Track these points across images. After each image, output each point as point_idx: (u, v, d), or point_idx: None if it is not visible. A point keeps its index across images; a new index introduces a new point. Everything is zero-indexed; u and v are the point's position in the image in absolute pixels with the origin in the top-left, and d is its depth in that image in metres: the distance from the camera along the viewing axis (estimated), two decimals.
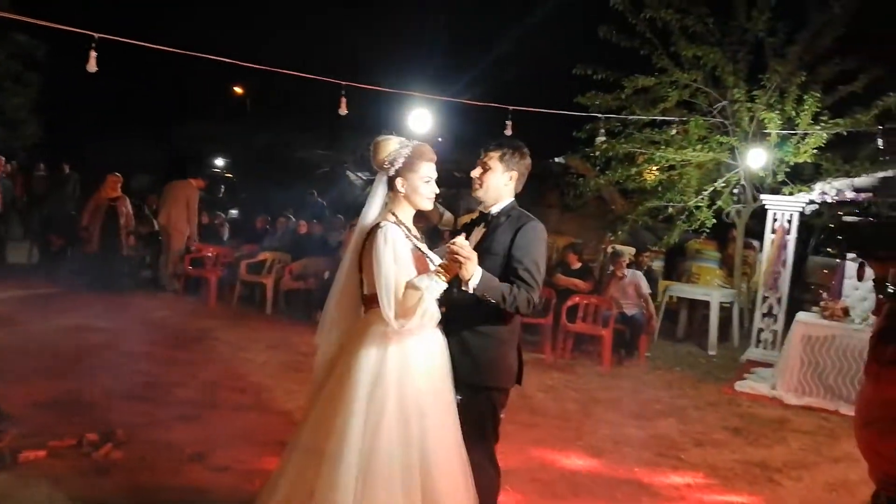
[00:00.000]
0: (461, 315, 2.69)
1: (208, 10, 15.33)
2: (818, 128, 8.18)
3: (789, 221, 8.19)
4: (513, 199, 2.87)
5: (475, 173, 2.84)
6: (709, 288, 9.20)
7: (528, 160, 2.88)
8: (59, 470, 3.58)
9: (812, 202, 8.02)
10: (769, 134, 8.53)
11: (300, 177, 15.96)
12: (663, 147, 8.82)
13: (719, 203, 8.92)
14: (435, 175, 2.67)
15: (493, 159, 2.80)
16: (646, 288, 7.75)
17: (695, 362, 7.92)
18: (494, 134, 10.04)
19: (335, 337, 2.69)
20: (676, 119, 9.17)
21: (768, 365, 7.66)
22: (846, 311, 6.61)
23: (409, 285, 2.44)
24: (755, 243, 10.14)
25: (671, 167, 9.14)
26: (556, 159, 13.52)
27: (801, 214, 8.26)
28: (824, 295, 7.22)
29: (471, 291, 2.53)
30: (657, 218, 9.63)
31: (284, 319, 8.32)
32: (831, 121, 8.31)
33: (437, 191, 2.69)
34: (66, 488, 3.40)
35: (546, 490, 3.87)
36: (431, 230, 3.10)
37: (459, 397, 2.65)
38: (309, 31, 15.77)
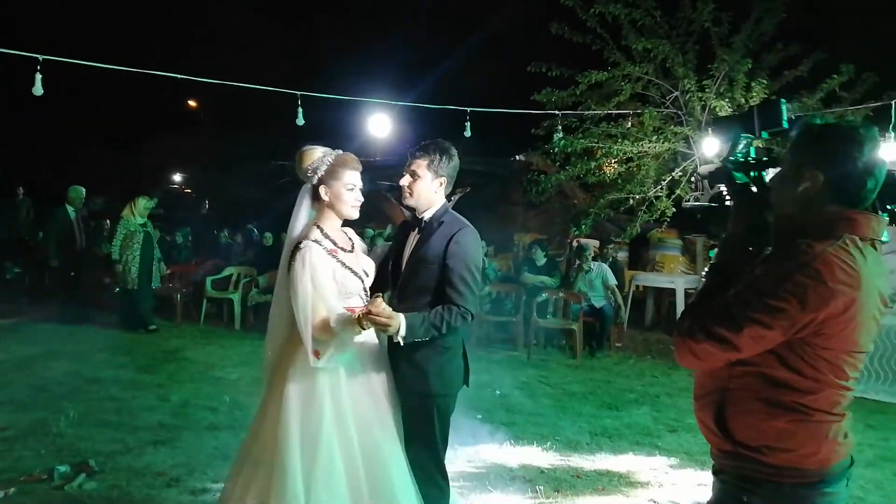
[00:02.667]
0: None
1: (156, 22, 15.03)
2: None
3: None
4: (444, 201, 2.82)
5: (404, 182, 2.74)
6: (673, 275, 9.39)
7: (457, 161, 2.80)
8: None
9: None
10: None
11: (260, 187, 15.74)
12: (620, 140, 8.95)
13: (678, 192, 9.11)
14: (359, 184, 2.66)
15: (422, 167, 2.72)
16: (612, 280, 7.87)
17: (665, 350, 8.06)
18: (455, 136, 10.13)
19: (276, 348, 2.70)
20: (631, 112, 9.33)
21: None
22: None
23: (326, 321, 2.44)
24: None
25: (629, 159, 9.30)
26: (518, 157, 13.65)
27: None
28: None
29: (401, 343, 2.50)
30: (619, 210, 9.79)
31: (254, 334, 8.21)
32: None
33: (362, 199, 2.67)
34: None
35: (528, 487, 3.90)
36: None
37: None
38: (264, 39, 15.59)
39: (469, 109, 7.53)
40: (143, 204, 8.34)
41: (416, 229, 2.83)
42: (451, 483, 2.87)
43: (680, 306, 8.80)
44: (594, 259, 8.29)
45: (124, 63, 5.94)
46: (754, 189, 1.81)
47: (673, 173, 9.08)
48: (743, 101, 8.58)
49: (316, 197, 2.64)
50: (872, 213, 1.65)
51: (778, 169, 1.80)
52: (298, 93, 6.48)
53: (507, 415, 5.34)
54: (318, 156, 2.65)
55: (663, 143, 8.96)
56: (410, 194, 2.77)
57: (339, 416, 2.47)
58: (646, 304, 9.78)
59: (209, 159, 19.21)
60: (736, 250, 1.76)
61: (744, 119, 1.97)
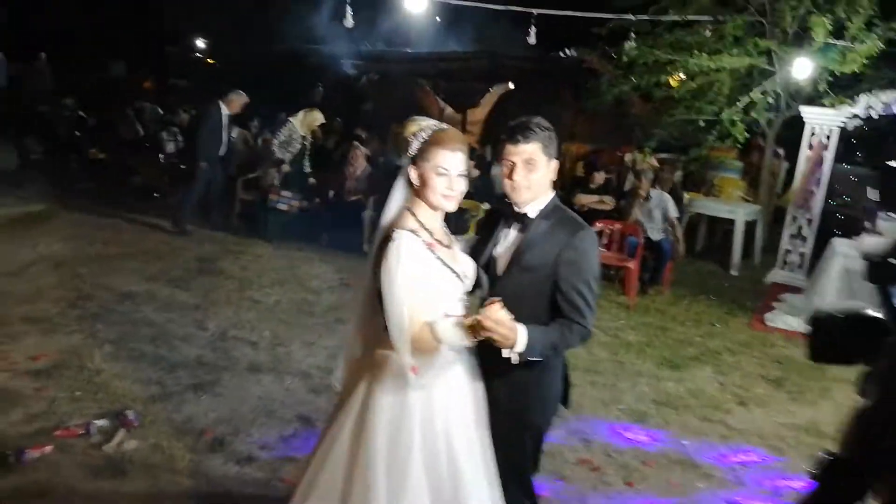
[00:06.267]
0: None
1: None
2: (873, 35, 7.33)
3: (828, 137, 7.61)
4: (552, 192, 2.34)
5: (518, 176, 2.23)
6: (733, 204, 8.78)
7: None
8: (68, 471, 3.23)
9: (856, 116, 7.41)
10: (811, 36, 7.70)
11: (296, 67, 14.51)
12: (696, 53, 7.95)
13: (753, 114, 8.23)
14: (460, 169, 2.13)
15: (538, 153, 2.22)
16: (673, 211, 7.25)
17: (718, 286, 7.65)
18: (512, 35, 9.14)
19: (356, 354, 2.31)
20: (710, 18, 8.33)
21: (795, 289, 7.40)
22: None
23: (428, 327, 2.05)
24: (780, 151, 9.61)
25: (702, 73, 8.34)
26: (568, 51, 12.53)
27: (842, 130, 7.66)
28: (867, 224, 6.80)
29: (514, 361, 2.09)
30: (685, 131, 8.98)
31: (290, 245, 7.79)
32: (885, 23, 7.49)
33: (460, 189, 2.15)
34: None
35: (594, 477, 3.61)
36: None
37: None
38: None
39: (535, 12, 6.65)
40: (317, 118, 8.56)
41: (517, 226, 2.34)
42: None
43: (739, 239, 8.32)
44: (653, 185, 7.60)
45: None
46: None
47: (751, 94, 8.15)
48: (845, 16, 7.50)
49: (408, 178, 2.18)
50: None
51: None
52: None
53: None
54: (415, 128, 2.15)
55: (744, 56, 8.00)
56: (528, 188, 2.26)
57: (430, 452, 2.10)
58: (698, 228, 9.25)
59: (230, 27, 17.80)
60: None
61: None
